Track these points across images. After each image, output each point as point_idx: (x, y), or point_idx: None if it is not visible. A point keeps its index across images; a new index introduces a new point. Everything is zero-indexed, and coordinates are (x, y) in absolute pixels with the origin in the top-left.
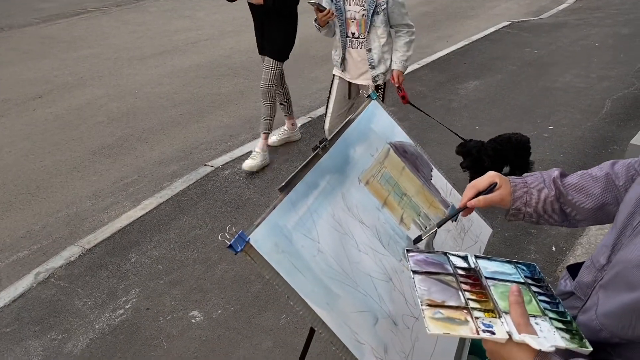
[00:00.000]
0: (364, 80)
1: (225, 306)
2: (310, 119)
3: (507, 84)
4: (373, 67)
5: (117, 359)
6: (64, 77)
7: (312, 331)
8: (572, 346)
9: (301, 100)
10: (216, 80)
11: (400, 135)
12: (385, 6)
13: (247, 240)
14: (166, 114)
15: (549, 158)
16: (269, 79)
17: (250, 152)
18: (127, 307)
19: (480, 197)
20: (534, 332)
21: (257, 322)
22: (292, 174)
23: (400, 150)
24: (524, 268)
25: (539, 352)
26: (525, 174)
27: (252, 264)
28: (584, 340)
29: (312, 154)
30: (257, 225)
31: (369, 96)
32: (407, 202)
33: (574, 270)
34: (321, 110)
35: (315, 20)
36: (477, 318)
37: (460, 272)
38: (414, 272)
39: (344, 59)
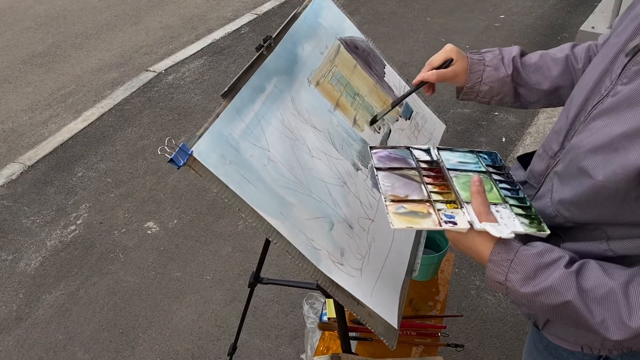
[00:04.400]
0: None
1: (181, 216)
2: (255, 15)
3: None
4: None
5: (74, 275)
6: None
7: (268, 240)
8: (531, 230)
9: None
10: None
11: (351, 30)
12: None
13: (189, 152)
14: (100, 16)
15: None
16: None
17: (194, 55)
18: (78, 222)
19: (434, 71)
20: (495, 220)
21: (214, 229)
22: (235, 77)
23: (351, 46)
24: (486, 157)
25: (500, 239)
26: (484, 49)
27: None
28: (542, 225)
29: (256, 55)
30: (200, 136)
31: None
32: (360, 103)
33: (524, 160)
34: (268, 6)
35: None
36: (439, 210)
37: (423, 165)
38: (377, 168)
39: None
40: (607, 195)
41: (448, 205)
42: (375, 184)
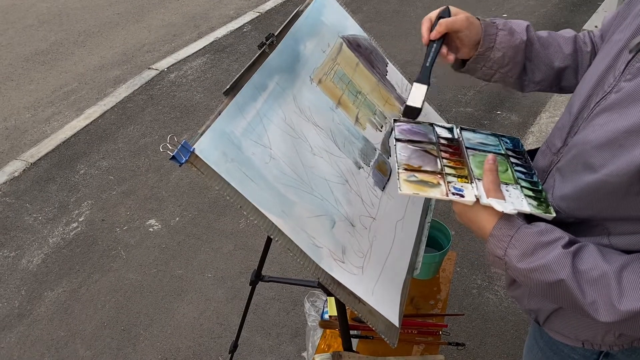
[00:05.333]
0: None
1: (183, 213)
2: (258, 13)
3: None
4: None
5: (76, 272)
6: None
7: (269, 238)
8: (537, 212)
9: None
10: None
11: (354, 28)
12: None
13: (191, 150)
14: (103, 13)
15: None
16: None
17: (196, 53)
18: (80, 219)
19: (442, 21)
20: (502, 198)
21: (216, 227)
22: (237, 75)
23: (353, 44)
24: (508, 141)
25: (503, 214)
26: (490, 18)
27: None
28: (549, 207)
29: (258, 52)
30: (202, 134)
31: None
32: (362, 101)
33: (529, 156)
34: (270, 4)
35: None
36: (449, 182)
37: (442, 141)
38: (397, 139)
39: None
40: (609, 190)
41: (459, 179)
42: (377, 182)
